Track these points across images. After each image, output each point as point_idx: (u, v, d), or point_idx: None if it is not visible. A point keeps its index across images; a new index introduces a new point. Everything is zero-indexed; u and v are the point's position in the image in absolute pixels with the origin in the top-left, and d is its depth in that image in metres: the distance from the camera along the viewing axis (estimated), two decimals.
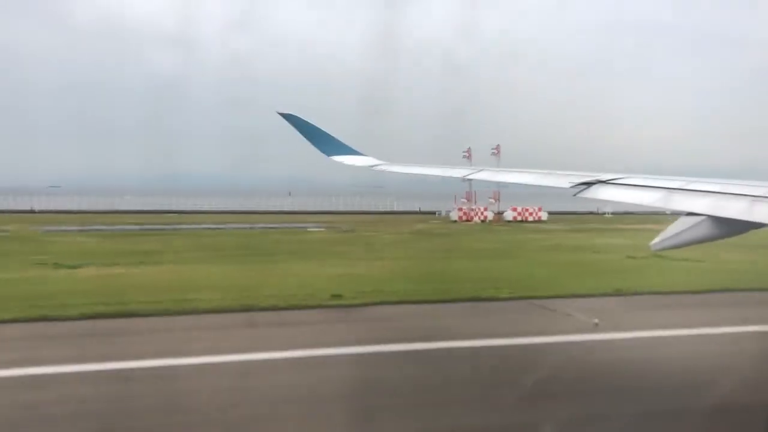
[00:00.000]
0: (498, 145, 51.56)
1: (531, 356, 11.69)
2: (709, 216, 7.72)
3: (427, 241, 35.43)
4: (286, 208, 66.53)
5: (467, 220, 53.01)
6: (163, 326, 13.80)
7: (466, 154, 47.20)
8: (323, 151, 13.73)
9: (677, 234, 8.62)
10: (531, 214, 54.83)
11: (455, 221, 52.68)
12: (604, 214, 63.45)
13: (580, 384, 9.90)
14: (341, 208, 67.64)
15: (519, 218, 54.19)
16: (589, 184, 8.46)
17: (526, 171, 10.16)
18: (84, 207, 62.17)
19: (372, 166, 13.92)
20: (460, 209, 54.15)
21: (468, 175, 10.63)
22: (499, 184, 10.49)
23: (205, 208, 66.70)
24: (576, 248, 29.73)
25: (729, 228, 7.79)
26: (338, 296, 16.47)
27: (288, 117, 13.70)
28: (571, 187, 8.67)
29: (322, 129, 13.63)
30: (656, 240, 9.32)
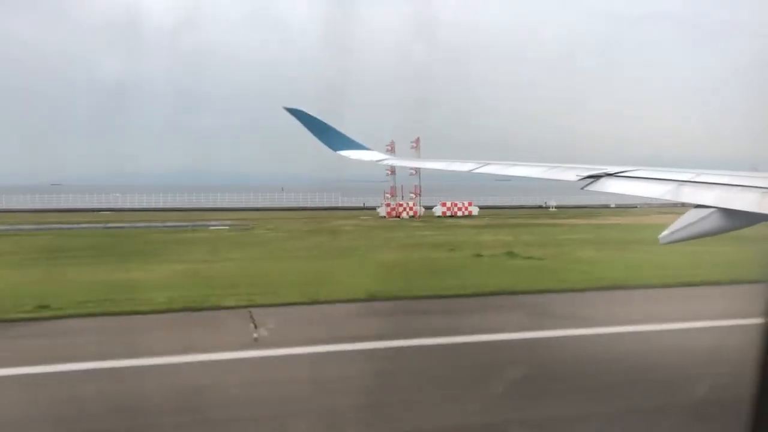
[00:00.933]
0: (417, 138, 48.43)
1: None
2: (718, 208, 7.63)
3: (308, 240, 33.28)
4: (246, 205, 66.17)
5: (396, 216, 51.77)
6: None
7: (389, 148, 46.94)
8: (329, 146, 13.75)
9: (685, 227, 8.52)
10: (460, 209, 54.13)
11: (384, 217, 51.58)
12: (549, 207, 64.43)
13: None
14: (307, 204, 67.50)
15: (449, 213, 53.46)
16: (596, 177, 8.39)
17: (533, 164, 10.09)
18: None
19: (378, 160, 13.90)
20: (388, 205, 52.99)
21: (474, 168, 10.56)
22: (502, 177, 10.37)
23: (147, 205, 66.10)
24: (445, 245, 27.75)
25: (738, 220, 7.69)
26: (45, 307, 14.18)
27: (294, 112, 13.73)
28: (579, 180, 8.59)
29: (329, 124, 13.65)
30: (665, 233, 9.22)
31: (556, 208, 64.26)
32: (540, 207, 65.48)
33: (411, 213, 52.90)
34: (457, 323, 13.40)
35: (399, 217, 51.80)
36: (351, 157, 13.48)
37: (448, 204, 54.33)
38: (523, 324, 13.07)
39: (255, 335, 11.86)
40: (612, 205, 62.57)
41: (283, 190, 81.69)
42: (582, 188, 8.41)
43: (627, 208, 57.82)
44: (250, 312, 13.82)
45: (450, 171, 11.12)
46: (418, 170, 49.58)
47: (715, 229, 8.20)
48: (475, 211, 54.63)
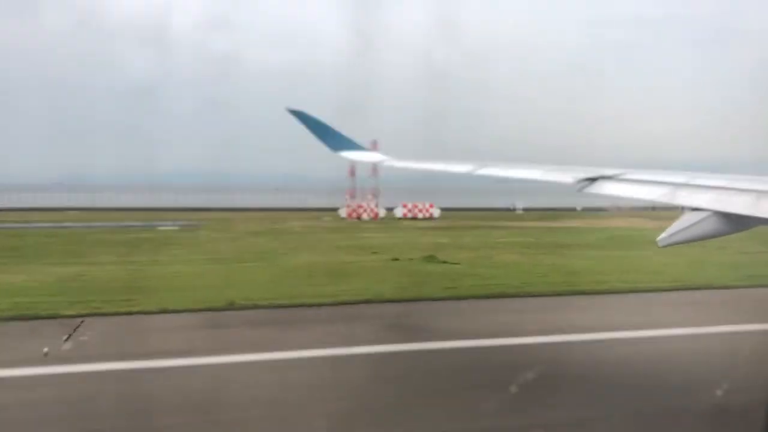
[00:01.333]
0: (375, 140, 49.03)
1: None
2: (714, 211, 7.65)
3: (241, 241, 32.58)
4: (228, 205, 65.19)
5: (357, 218, 51.44)
6: None
7: (371, 147, 46.84)
8: (330, 147, 13.80)
9: (682, 230, 8.55)
10: (420, 210, 53.78)
11: (344, 218, 51.37)
12: (516, 210, 64.41)
13: None
14: (286, 205, 66.53)
15: (409, 215, 53.14)
16: (593, 179, 8.41)
17: (531, 167, 10.12)
18: None
19: (379, 161, 13.95)
20: (348, 206, 52.59)
21: (473, 170, 10.59)
22: (503, 179, 10.39)
23: (133, 204, 64.83)
24: (373, 248, 27.92)
25: (734, 223, 7.71)
26: None
27: (296, 113, 13.79)
28: (576, 182, 8.63)
29: (329, 125, 13.70)
30: (663, 235, 9.25)
31: (523, 210, 64.30)
32: (508, 209, 65.46)
33: (372, 214, 52.28)
34: (277, 336, 12.93)
35: (359, 218, 51.35)
36: (351, 158, 13.52)
37: (409, 206, 53.79)
38: (346, 338, 12.70)
39: (45, 350, 11.15)
40: (578, 209, 63.29)
41: (277, 190, 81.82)
42: (578, 191, 8.44)
43: (596, 210, 57.24)
44: (81, 322, 13.42)
45: (449, 172, 11.16)
46: (375, 171, 49.57)
47: (711, 232, 8.22)
48: (436, 213, 53.95)
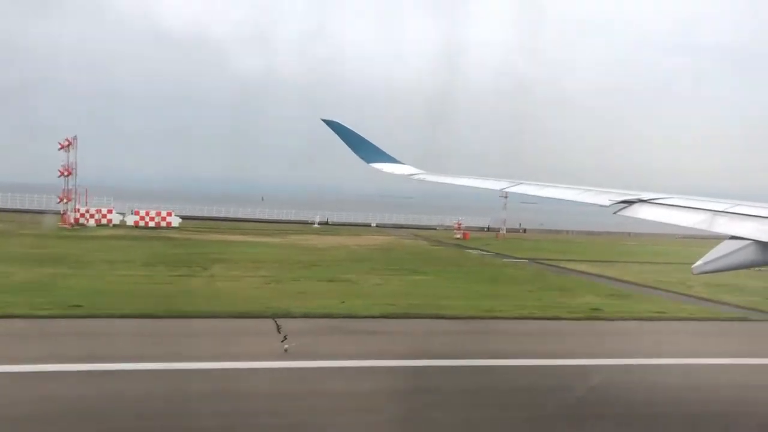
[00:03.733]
0: (74, 137, 48.68)
1: None
2: (754, 240, 7.50)
3: None
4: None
5: (75, 222, 49.14)
6: None
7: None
8: (363, 158, 13.87)
9: (720, 258, 8.39)
10: (153, 218, 52.09)
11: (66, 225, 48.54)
12: (313, 224, 63.75)
13: None
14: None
15: (141, 223, 51.64)
16: (629, 202, 8.33)
17: (566, 187, 10.05)
18: None
19: (410, 175, 13.98)
20: (64, 211, 49.60)
21: (506, 188, 10.57)
22: (534, 198, 10.34)
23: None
24: None
25: None
26: None
27: (330, 123, 13.92)
28: (611, 204, 8.55)
29: (363, 136, 13.79)
30: (698, 263, 9.09)
31: (320, 224, 63.58)
32: (305, 223, 65.08)
33: (106, 221, 50.79)
34: None
35: (77, 223, 49.11)
36: (384, 171, 13.57)
37: (142, 213, 52.43)
38: None
39: None
40: (373, 225, 64.46)
41: (263, 199, 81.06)
42: (614, 213, 8.36)
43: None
44: None
45: (482, 188, 11.14)
46: (73, 173, 48.02)
47: (749, 262, 8.05)
48: (175, 222, 52.35)
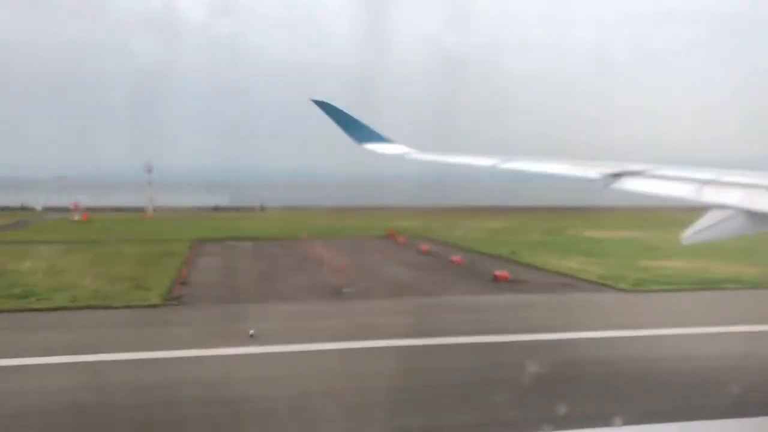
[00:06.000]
0: None
1: None
2: (741, 209, 7.58)
3: None
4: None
5: None
6: None
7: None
8: (355, 139, 13.87)
9: (708, 227, 8.49)
10: None
11: None
12: (34, 209, 59.00)
13: None
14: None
15: None
16: (618, 175, 8.39)
17: (557, 161, 10.10)
18: None
19: (403, 154, 14.01)
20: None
21: (497, 164, 10.60)
22: (528, 173, 10.37)
23: None
24: None
25: (762, 222, 7.63)
26: None
27: (321, 104, 13.88)
28: (601, 178, 8.61)
29: (355, 117, 13.78)
30: (688, 232, 9.18)
31: (43, 209, 58.54)
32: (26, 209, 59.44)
33: None
34: None
35: None
36: (376, 151, 13.59)
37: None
38: None
39: None
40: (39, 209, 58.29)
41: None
42: (603, 186, 8.41)
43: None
44: None
45: (474, 166, 11.18)
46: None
47: (738, 230, 8.15)
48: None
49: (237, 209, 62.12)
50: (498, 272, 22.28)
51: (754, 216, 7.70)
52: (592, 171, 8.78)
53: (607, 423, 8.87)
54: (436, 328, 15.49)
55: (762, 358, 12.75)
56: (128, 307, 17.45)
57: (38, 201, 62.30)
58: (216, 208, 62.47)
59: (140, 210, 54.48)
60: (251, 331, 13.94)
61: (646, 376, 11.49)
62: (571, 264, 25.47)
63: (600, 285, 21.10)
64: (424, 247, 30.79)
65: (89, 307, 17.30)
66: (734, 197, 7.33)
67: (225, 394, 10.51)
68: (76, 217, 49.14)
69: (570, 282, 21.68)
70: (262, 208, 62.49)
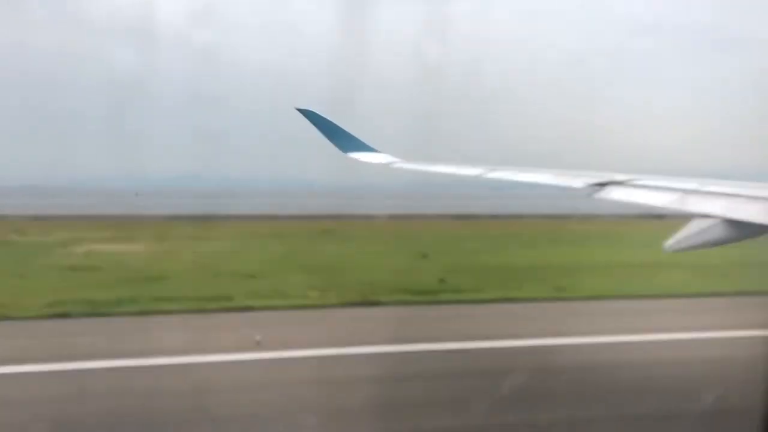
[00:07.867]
0: None
1: None
2: (723, 218, 7.68)
3: None
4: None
5: None
6: None
7: None
8: (340, 148, 13.82)
9: (690, 236, 8.58)
10: None
11: None
12: None
13: None
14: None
15: None
16: (603, 184, 8.47)
17: (542, 171, 10.17)
18: None
19: (388, 163, 14.01)
20: None
21: (482, 173, 10.65)
22: (513, 182, 10.44)
23: None
24: None
25: (744, 231, 7.74)
26: None
27: (305, 113, 13.82)
28: (586, 187, 8.68)
29: (339, 126, 13.74)
30: (670, 242, 9.28)
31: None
32: None
33: None
34: None
35: None
36: (361, 160, 13.57)
37: None
38: None
39: None
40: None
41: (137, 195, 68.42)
42: (588, 195, 8.49)
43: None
44: None
45: (459, 175, 11.22)
46: None
47: (720, 239, 8.26)
48: None
49: None
50: None
51: (734, 224, 7.81)
52: (577, 180, 8.85)
53: None
54: None
55: None
56: None
57: None
58: None
59: None
60: None
61: None
62: None
63: None
64: None
65: None
66: (717, 206, 7.42)
67: None
68: None
69: None
70: None
